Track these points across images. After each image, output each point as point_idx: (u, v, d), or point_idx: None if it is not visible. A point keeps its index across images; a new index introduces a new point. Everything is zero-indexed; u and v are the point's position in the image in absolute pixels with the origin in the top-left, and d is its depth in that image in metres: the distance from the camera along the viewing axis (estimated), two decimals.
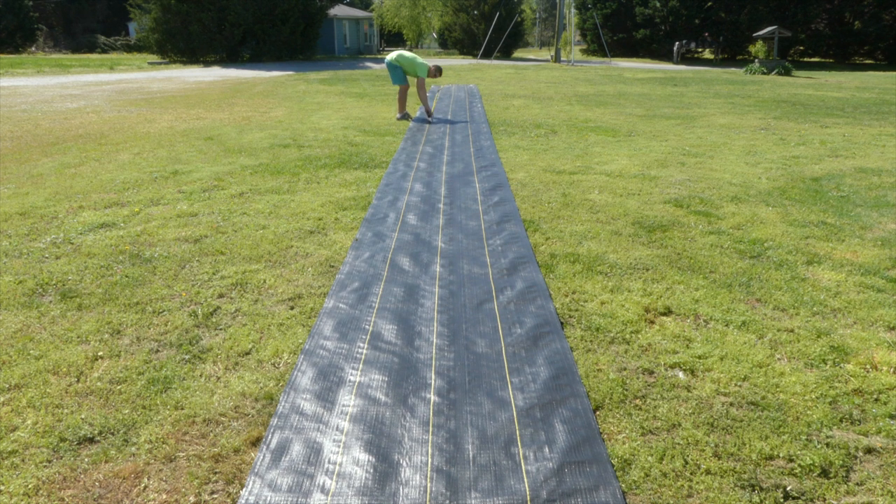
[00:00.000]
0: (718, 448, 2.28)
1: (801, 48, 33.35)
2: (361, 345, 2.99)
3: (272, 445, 2.27)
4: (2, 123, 9.89)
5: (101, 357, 2.88)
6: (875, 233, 4.70)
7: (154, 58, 29.63)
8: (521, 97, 14.21)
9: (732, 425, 2.41)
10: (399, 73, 10.09)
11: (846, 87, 17.74)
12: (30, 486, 2.09)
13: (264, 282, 3.72)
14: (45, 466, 2.18)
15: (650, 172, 6.61)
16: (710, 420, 2.44)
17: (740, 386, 2.68)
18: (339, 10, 37.42)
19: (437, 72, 9.96)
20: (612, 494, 2.04)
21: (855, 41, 32.19)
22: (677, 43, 31.41)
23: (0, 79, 18.94)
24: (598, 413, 2.49)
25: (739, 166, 6.96)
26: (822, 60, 33.58)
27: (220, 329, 3.16)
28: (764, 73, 22.10)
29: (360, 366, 2.82)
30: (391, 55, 10.21)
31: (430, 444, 2.29)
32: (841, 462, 2.20)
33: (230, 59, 28.31)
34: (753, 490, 2.07)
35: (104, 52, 40.05)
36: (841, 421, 2.44)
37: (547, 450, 2.26)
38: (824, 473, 2.15)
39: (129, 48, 40.15)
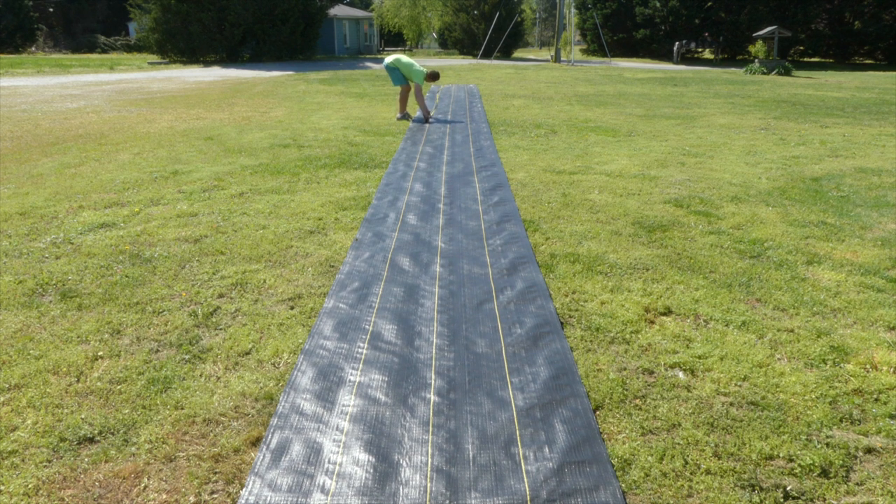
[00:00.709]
0: (718, 448, 2.28)
1: (801, 48, 33.35)
2: (361, 345, 2.99)
3: (272, 445, 2.27)
4: (2, 123, 9.89)
5: (101, 357, 2.88)
6: (875, 233, 4.70)
7: (154, 58, 29.63)
8: (521, 97, 14.21)
9: (732, 425, 2.41)
10: (398, 74, 10.12)
11: (846, 87, 17.74)
12: (30, 486, 2.09)
13: (264, 282, 3.72)
14: (45, 466, 2.18)
15: (650, 172, 6.61)
16: (710, 420, 2.44)
17: (740, 386, 2.68)
18: (339, 10, 37.41)
19: (433, 77, 9.97)
20: (612, 494, 2.04)
21: (855, 41, 32.19)
22: (677, 43, 31.42)
23: (0, 79, 18.94)
24: (598, 413, 2.49)
25: (739, 166, 6.96)
26: (822, 60, 33.58)
27: (220, 329, 3.16)
28: (764, 73, 22.10)
29: (360, 366, 2.82)
30: (388, 59, 10.23)
31: (430, 444, 2.29)
32: (841, 462, 2.20)
33: (230, 59, 28.32)
34: (753, 490, 2.07)
35: (104, 52, 40.06)
36: (841, 421, 2.44)
37: (547, 450, 2.26)
38: (824, 473, 2.15)
39: (129, 48, 40.15)
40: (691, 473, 2.16)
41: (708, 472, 2.16)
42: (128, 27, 44.19)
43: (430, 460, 2.21)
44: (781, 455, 2.24)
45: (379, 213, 5.08)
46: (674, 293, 3.58)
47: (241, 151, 7.61)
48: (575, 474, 2.14)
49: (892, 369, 2.80)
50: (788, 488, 2.08)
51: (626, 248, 4.30)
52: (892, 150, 7.98)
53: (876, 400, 2.58)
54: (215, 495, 2.06)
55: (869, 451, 2.27)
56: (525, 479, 2.11)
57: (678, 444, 2.30)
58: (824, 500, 2.05)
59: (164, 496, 2.05)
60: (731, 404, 2.54)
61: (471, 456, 2.23)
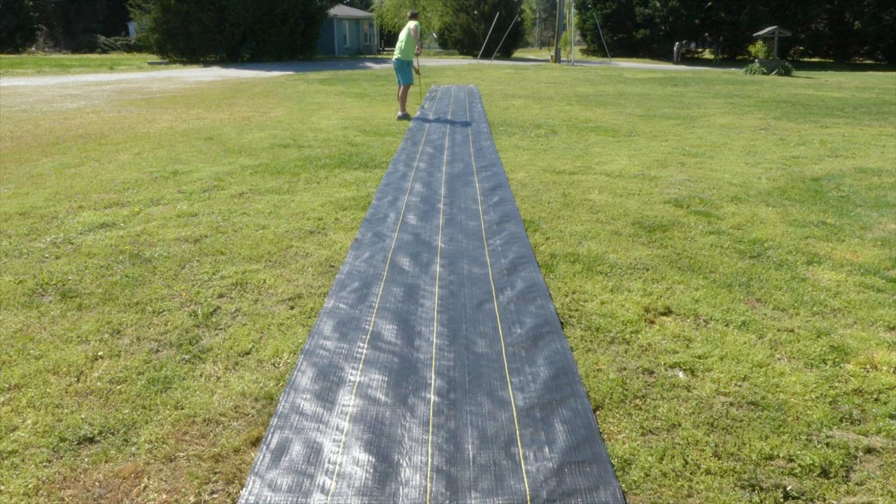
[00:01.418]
0: (718, 448, 2.28)
1: (801, 48, 33.35)
2: (361, 345, 2.99)
3: (272, 445, 2.27)
4: (2, 123, 9.89)
5: (101, 357, 2.88)
6: (875, 233, 4.70)
7: (154, 58, 29.63)
8: (521, 97, 14.21)
9: (732, 425, 2.41)
10: (406, 71, 10.20)
11: (846, 87, 17.74)
12: (30, 486, 2.09)
13: (264, 282, 3.72)
14: (45, 466, 2.18)
15: (650, 172, 6.61)
16: (710, 420, 2.44)
17: (740, 386, 2.68)
18: (339, 10, 37.41)
19: (413, 17, 10.28)
20: (612, 494, 2.04)
21: (855, 41, 32.19)
22: (677, 43, 31.41)
23: (0, 79, 18.94)
24: (598, 413, 2.49)
25: (739, 166, 6.96)
26: (822, 60, 33.58)
27: (220, 329, 3.16)
28: (764, 74, 22.10)
29: (360, 366, 2.82)
30: (396, 53, 10.36)
31: (430, 444, 2.29)
32: (841, 462, 2.20)
33: (230, 59, 28.31)
34: (753, 490, 2.07)
35: (104, 52, 40.05)
36: (841, 421, 2.44)
37: (547, 450, 2.26)
38: (824, 473, 2.15)
39: (129, 48, 40.15)
40: (691, 473, 2.16)
41: (708, 472, 2.16)
42: (128, 27, 44.18)
43: (430, 460, 2.21)
44: (781, 455, 2.24)
45: (379, 213, 5.08)
46: (674, 293, 3.58)
47: (241, 151, 7.61)
48: (575, 474, 2.14)
49: (892, 369, 2.80)
50: (788, 488, 2.08)
51: (626, 248, 4.30)
52: (892, 150, 7.98)
53: (876, 400, 2.58)
54: (215, 495, 2.06)
55: (869, 451, 2.27)
56: (525, 479, 2.11)
57: (678, 444, 2.30)
58: (824, 500, 2.05)
59: (164, 496, 2.05)
60: (731, 404, 2.54)
61: (471, 456, 2.23)
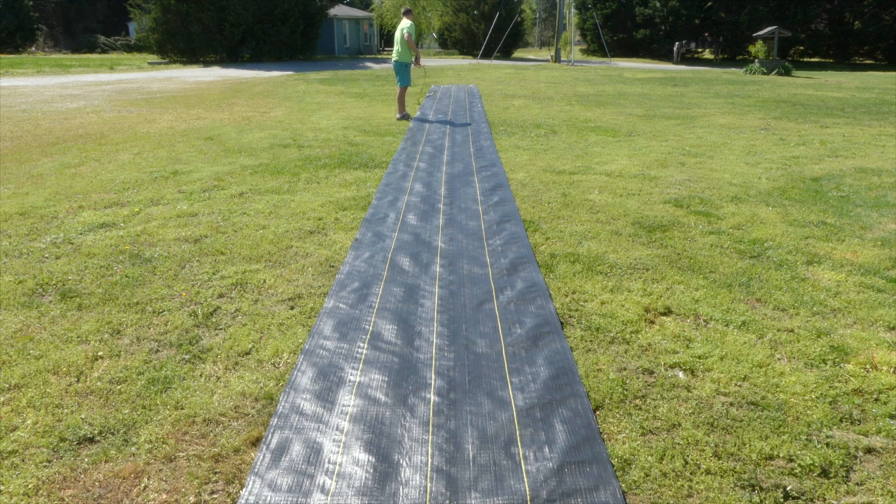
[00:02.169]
0: (718, 448, 2.28)
1: (801, 48, 33.35)
2: (361, 345, 2.99)
3: (272, 445, 2.27)
4: (2, 123, 9.89)
5: (101, 357, 2.88)
6: (875, 233, 4.70)
7: (154, 58, 29.62)
8: (521, 97, 14.21)
9: (732, 425, 2.41)
10: (405, 73, 10.21)
11: (846, 87, 17.74)
12: (30, 486, 2.09)
13: (264, 282, 3.72)
14: (45, 466, 2.18)
15: (650, 172, 6.61)
16: (710, 420, 2.44)
17: (740, 386, 2.68)
18: (339, 10, 37.40)
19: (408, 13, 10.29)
20: (612, 494, 2.04)
21: (855, 41, 32.18)
22: (677, 43, 31.41)
23: (0, 79, 18.94)
24: (598, 413, 2.49)
25: (739, 166, 6.96)
26: (822, 60, 33.58)
27: (220, 329, 3.16)
28: (764, 74, 22.10)
29: (360, 366, 2.82)
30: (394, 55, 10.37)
31: (430, 444, 2.29)
32: (841, 462, 2.20)
33: (230, 59, 28.31)
34: (753, 490, 2.07)
35: (104, 52, 40.05)
36: (841, 421, 2.44)
37: (547, 450, 2.26)
38: (824, 473, 2.15)
39: (129, 48, 40.14)
40: (691, 473, 2.16)
41: (708, 472, 2.16)
42: (128, 27, 44.17)
43: (430, 460, 2.21)
44: (781, 455, 2.24)
45: (379, 213, 5.08)
46: (674, 293, 3.58)
47: (241, 151, 7.61)
48: (575, 474, 2.14)
49: (892, 369, 2.80)
50: (788, 488, 2.08)
51: (626, 248, 4.30)
52: (892, 150, 7.98)
53: (876, 400, 2.58)
54: (215, 495, 2.06)
55: (869, 451, 2.27)
56: (525, 479, 2.11)
57: (678, 444, 2.30)
58: (824, 500, 2.05)
59: (164, 496, 2.05)
60: (731, 404, 2.54)
61: (471, 456, 2.23)
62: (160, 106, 12.27)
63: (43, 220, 4.87)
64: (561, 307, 3.40)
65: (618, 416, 2.47)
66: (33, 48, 39.46)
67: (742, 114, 11.47)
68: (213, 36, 27.35)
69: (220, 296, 3.54)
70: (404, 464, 2.19)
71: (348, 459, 2.21)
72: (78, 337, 3.06)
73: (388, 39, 47.09)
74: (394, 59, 10.33)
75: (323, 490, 2.06)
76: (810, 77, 21.78)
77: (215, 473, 2.15)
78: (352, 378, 2.72)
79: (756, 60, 23.50)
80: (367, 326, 3.18)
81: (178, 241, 4.40)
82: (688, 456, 2.24)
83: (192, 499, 2.04)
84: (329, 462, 2.19)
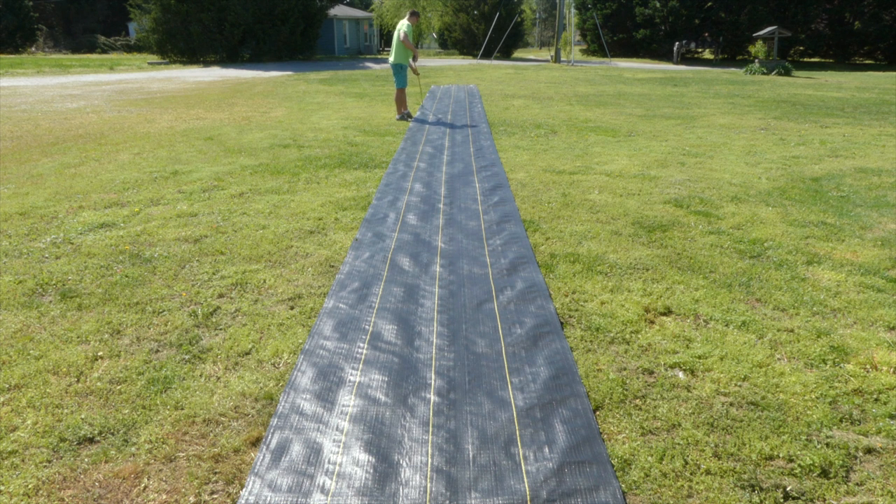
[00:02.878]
0: (718, 448, 2.28)
1: (801, 48, 33.36)
2: (361, 345, 2.99)
3: (272, 445, 2.27)
4: (2, 123, 9.89)
5: (101, 357, 2.88)
6: (875, 233, 4.70)
7: (154, 58, 29.63)
8: (520, 97, 14.21)
9: (732, 425, 2.41)
10: (401, 75, 10.20)
11: (846, 87, 17.74)
12: (30, 486, 2.09)
13: (264, 282, 3.72)
14: (45, 466, 2.18)
15: (650, 172, 6.61)
16: (710, 420, 2.44)
17: (740, 386, 2.68)
18: (339, 10, 37.40)
19: (414, 15, 10.30)
20: (612, 494, 2.04)
21: (855, 41, 32.19)
22: (677, 43, 31.42)
23: (0, 79, 18.94)
24: (598, 413, 2.49)
25: (739, 166, 6.97)
26: (822, 60, 33.58)
27: (220, 329, 3.16)
28: (764, 74, 22.10)
29: (360, 366, 2.82)
30: (391, 57, 10.36)
31: (429, 445, 2.29)
32: (841, 462, 2.20)
33: (230, 59, 28.31)
34: (753, 490, 2.07)
35: (104, 52, 40.04)
36: (841, 421, 2.44)
37: (547, 450, 2.26)
38: (824, 473, 2.15)
39: (129, 48, 40.14)
40: (691, 473, 2.16)
41: (708, 472, 2.16)
42: (128, 27, 44.15)
43: (430, 460, 2.21)
44: (781, 455, 2.24)
45: (379, 214, 5.07)
46: (674, 293, 3.58)
47: (241, 151, 7.61)
48: (575, 474, 2.14)
49: (892, 369, 2.80)
50: (788, 488, 2.08)
51: (626, 248, 4.30)
52: (892, 150, 7.98)
53: (876, 400, 2.58)
54: (215, 495, 2.06)
55: (869, 451, 2.27)
56: (525, 480, 2.11)
57: (678, 444, 2.30)
58: (824, 500, 2.05)
59: (164, 496, 2.05)
60: (731, 404, 2.54)
61: (471, 456, 2.23)
62: (160, 106, 12.27)
63: (43, 220, 4.87)
64: (561, 307, 3.40)
65: (618, 416, 2.47)
66: (33, 48, 39.46)
67: (742, 114, 11.48)
68: (213, 36, 27.36)
69: (220, 296, 3.54)
70: (404, 464, 2.19)
71: (348, 459, 2.21)
72: (78, 337, 3.06)
73: (388, 39, 47.09)
74: (390, 60, 10.34)
75: (323, 490, 2.06)
76: (810, 77, 21.78)
77: (215, 473, 2.15)
78: (352, 378, 2.72)
79: (756, 60, 23.50)
80: (367, 326, 3.17)
81: (178, 241, 4.40)
82: (688, 456, 2.24)
83: (192, 499, 2.04)
84: (329, 462, 2.19)
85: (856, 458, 2.24)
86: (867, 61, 33.06)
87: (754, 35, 25.62)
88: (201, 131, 9.20)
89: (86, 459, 2.22)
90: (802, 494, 2.06)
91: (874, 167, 6.95)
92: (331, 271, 3.90)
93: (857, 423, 2.43)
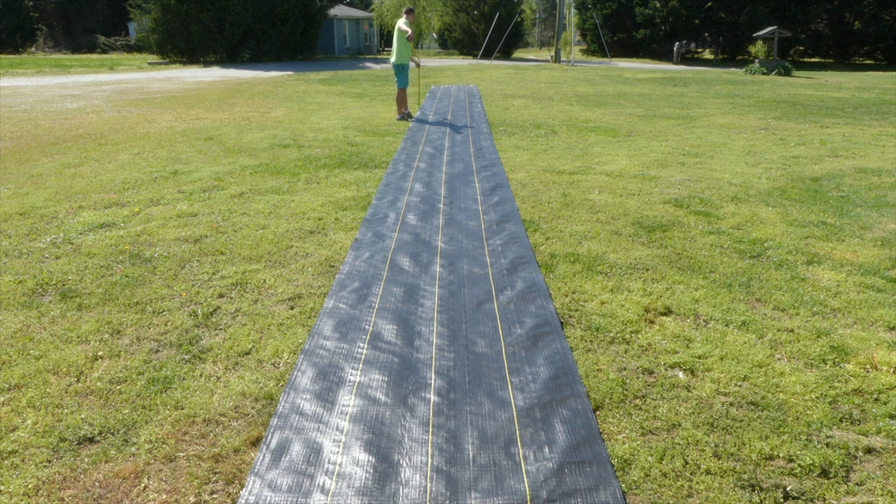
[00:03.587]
0: (718, 448, 2.28)
1: (801, 48, 33.36)
2: (361, 345, 2.99)
3: (272, 445, 2.27)
4: (2, 123, 9.89)
5: (101, 357, 2.88)
6: (875, 233, 4.70)
7: (154, 58, 29.62)
8: (520, 97, 14.21)
9: (732, 425, 2.41)
10: (403, 75, 10.22)
11: (846, 87, 17.74)
12: (30, 486, 2.09)
13: (264, 282, 3.72)
14: (45, 466, 2.18)
15: (650, 172, 6.61)
16: (710, 420, 2.44)
17: (740, 386, 2.68)
18: (339, 11, 37.40)
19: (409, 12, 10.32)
20: (612, 494, 2.04)
21: (855, 41, 32.19)
22: (677, 43, 31.42)
23: (0, 79, 18.94)
24: (598, 413, 2.49)
25: (739, 166, 6.97)
26: (822, 60, 33.58)
27: (220, 329, 3.16)
28: (764, 74, 22.10)
29: (360, 366, 2.82)
30: (392, 57, 10.37)
31: (429, 444, 2.29)
32: (841, 462, 2.20)
33: (230, 59, 28.31)
34: (753, 490, 2.07)
35: (104, 52, 40.04)
36: (841, 421, 2.44)
37: (547, 450, 2.26)
38: (824, 473, 2.15)
39: (129, 48, 40.14)
40: (691, 473, 2.16)
41: (708, 472, 2.16)
42: (128, 27, 44.15)
43: (430, 460, 2.21)
44: (781, 455, 2.24)
45: (379, 213, 5.08)
46: (674, 293, 3.58)
47: (241, 151, 7.62)
48: (575, 474, 2.14)
49: (892, 369, 2.80)
50: (788, 488, 2.08)
51: (626, 248, 4.30)
52: (892, 150, 7.98)
53: (876, 400, 2.58)
54: (215, 495, 2.06)
55: (869, 451, 2.27)
56: (525, 479, 2.11)
57: (678, 444, 2.30)
58: (824, 500, 2.05)
59: (164, 496, 2.05)
60: (731, 404, 2.54)
61: (471, 456, 2.23)
62: (160, 106, 12.27)
63: (43, 220, 4.87)
64: (561, 307, 3.40)
65: (618, 416, 2.47)
66: (33, 48, 39.46)
67: (742, 114, 11.48)
68: (213, 36, 27.36)
69: (220, 296, 3.54)
70: (404, 464, 2.19)
71: (348, 459, 2.21)
72: (78, 337, 3.06)
73: (388, 39, 47.10)
74: (392, 61, 10.34)
75: (323, 490, 2.06)
76: (810, 77, 21.78)
77: (215, 473, 2.15)
78: (352, 378, 2.72)
79: (756, 60, 23.50)
80: (367, 326, 3.17)
81: (178, 241, 4.40)
82: (688, 456, 2.24)
83: (192, 499, 2.04)
84: (329, 462, 2.19)
85: (856, 458, 2.24)
86: (867, 61, 33.06)
87: (754, 35, 25.63)
88: (201, 131, 9.20)
89: (86, 459, 2.22)
90: (802, 494, 2.06)
91: (874, 167, 6.95)
92: (331, 271, 3.90)
93: (857, 423, 2.43)
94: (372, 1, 48.45)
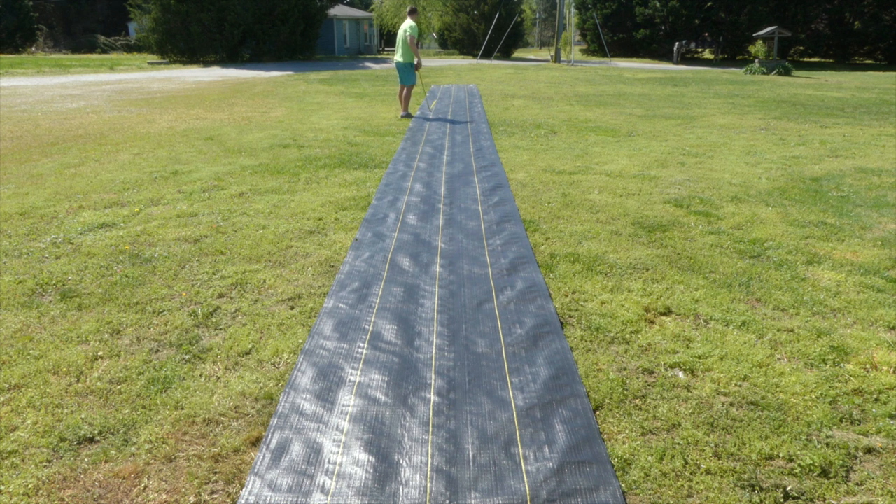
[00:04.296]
0: (718, 448, 2.28)
1: (801, 48, 33.36)
2: (361, 345, 2.99)
3: (272, 445, 2.27)
4: (2, 123, 9.89)
5: (101, 357, 2.88)
6: (875, 233, 4.70)
7: (154, 58, 29.62)
8: (520, 97, 14.21)
9: (732, 425, 2.41)
10: (409, 73, 10.25)
11: (846, 87, 17.74)
12: (30, 486, 2.09)
13: (264, 282, 3.72)
14: (45, 466, 2.18)
15: (650, 172, 6.61)
16: (710, 420, 2.44)
17: (740, 386, 2.68)
18: (339, 10, 37.40)
19: (412, 12, 10.35)
20: (612, 494, 2.04)
21: (855, 41, 32.19)
22: (677, 43, 31.42)
23: (0, 79, 18.94)
24: (598, 413, 2.49)
25: (739, 166, 6.97)
26: (822, 60, 33.58)
27: (220, 329, 3.16)
28: (764, 74, 22.10)
29: (360, 366, 2.82)
30: (397, 56, 10.39)
31: (429, 444, 2.29)
32: (841, 462, 2.20)
33: (230, 59, 28.31)
34: (753, 490, 2.07)
35: (104, 52, 40.03)
36: (841, 421, 2.44)
37: (547, 450, 2.26)
38: (824, 473, 2.15)
39: (129, 48, 40.14)
40: (691, 473, 2.16)
41: (708, 472, 2.16)
42: (128, 27, 44.15)
43: (430, 460, 2.21)
44: (781, 455, 2.24)
45: (379, 213, 5.07)
46: (674, 293, 3.58)
47: (241, 151, 7.61)
48: (575, 474, 2.14)
49: (892, 369, 2.80)
50: (788, 488, 2.08)
51: (626, 248, 4.30)
52: (892, 150, 7.98)
53: (876, 400, 2.58)
54: (215, 495, 2.06)
55: (869, 451, 2.27)
56: (525, 479, 2.11)
57: (678, 444, 2.30)
58: (824, 500, 2.05)
59: (164, 496, 2.05)
60: (731, 404, 2.54)
61: (471, 456, 2.23)
62: (160, 106, 12.27)
63: (43, 220, 4.87)
64: (561, 307, 3.40)
65: (618, 416, 2.47)
66: (33, 48, 39.45)
67: (742, 114, 11.48)
68: (213, 36, 27.35)
69: (220, 296, 3.54)
70: (404, 464, 2.19)
71: (348, 459, 2.21)
72: (78, 337, 3.06)
73: (388, 40, 47.10)
74: (397, 59, 10.35)
75: (323, 490, 2.06)
76: (810, 77, 21.78)
77: (215, 473, 2.15)
78: (352, 378, 2.72)
79: (756, 60, 23.50)
80: (367, 326, 3.17)
81: (178, 241, 4.40)
82: (688, 456, 2.24)
83: (192, 499, 2.04)
84: (329, 462, 2.19)
85: (856, 457, 2.24)
86: (867, 61, 33.05)
87: (754, 35, 25.62)
88: (201, 131, 9.20)
89: (86, 459, 2.22)
90: (802, 494, 2.06)
91: (874, 167, 6.95)
92: (331, 271, 3.90)
93: (857, 423, 2.43)
94: (372, 1, 48.44)
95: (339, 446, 2.28)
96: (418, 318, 3.27)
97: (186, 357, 2.88)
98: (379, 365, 2.82)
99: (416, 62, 10.28)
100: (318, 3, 31.16)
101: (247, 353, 2.93)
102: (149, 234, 4.54)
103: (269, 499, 2.02)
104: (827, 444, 2.29)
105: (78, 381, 2.69)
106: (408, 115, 10.56)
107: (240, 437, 2.33)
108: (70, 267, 3.93)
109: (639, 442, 2.31)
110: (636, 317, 3.28)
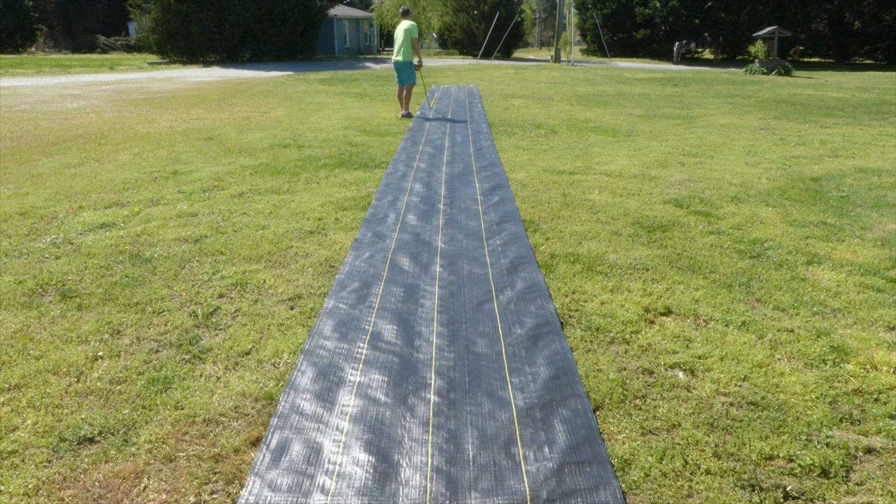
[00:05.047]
0: (718, 448, 2.28)
1: (801, 48, 33.36)
2: (361, 345, 2.99)
3: (272, 445, 2.27)
4: (2, 123, 9.89)
5: (101, 357, 2.88)
6: (875, 233, 4.70)
7: (154, 58, 29.62)
8: (520, 97, 14.21)
9: (732, 425, 2.41)
10: (410, 71, 10.27)
11: (846, 87, 17.74)
12: (30, 486, 2.09)
13: (264, 282, 3.72)
14: (45, 466, 2.18)
15: (650, 172, 6.61)
16: (710, 420, 2.44)
17: (740, 386, 2.68)
18: (339, 10, 37.40)
19: (405, 13, 10.39)
20: (612, 494, 2.04)
21: (855, 41, 32.20)
22: (677, 43, 31.42)
23: (0, 79, 18.94)
24: (598, 413, 2.49)
25: (739, 166, 6.97)
26: (822, 60, 33.58)
27: (220, 329, 3.16)
28: (764, 74, 22.10)
29: (360, 366, 2.82)
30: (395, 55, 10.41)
31: (429, 444, 2.29)
32: (841, 462, 2.20)
33: (230, 59, 28.31)
34: (753, 490, 2.07)
35: (104, 52, 40.03)
36: (841, 421, 2.44)
37: (547, 450, 2.26)
38: (824, 473, 2.15)
39: (129, 48, 40.14)
40: (691, 473, 2.16)
41: (708, 472, 2.16)
42: (128, 27, 44.15)
43: (430, 460, 2.21)
44: (781, 455, 2.24)
45: (379, 214, 5.07)
46: (674, 293, 3.58)
47: (241, 151, 7.61)
48: (575, 474, 2.14)
49: (892, 369, 2.80)
50: (788, 488, 2.08)
51: (626, 248, 4.30)
52: (892, 150, 7.98)
53: (876, 400, 2.58)
54: (215, 495, 2.06)
55: (869, 451, 2.27)
56: (525, 479, 2.11)
57: (678, 444, 2.30)
58: (824, 500, 2.05)
59: (164, 496, 2.05)
60: (731, 404, 2.54)
61: (471, 456, 2.23)
62: (160, 106, 12.27)
63: (43, 220, 4.87)
64: (561, 307, 3.40)
65: (618, 416, 2.47)
66: (33, 48, 39.45)
67: (742, 114, 11.48)
68: (213, 36, 27.35)
69: (220, 296, 3.54)
70: (404, 464, 2.19)
71: (348, 459, 2.21)
72: (78, 337, 3.06)
73: (388, 40, 47.10)
74: (396, 59, 10.34)
75: (323, 490, 2.06)
76: (810, 77, 21.78)
77: (215, 473, 2.15)
78: (352, 378, 2.72)
79: (756, 60, 23.50)
80: (367, 326, 3.17)
81: (178, 241, 4.40)
82: (688, 456, 2.24)
83: (192, 499, 2.04)
84: (329, 462, 2.19)
85: (856, 458, 2.24)
86: (867, 61, 33.06)
87: (754, 35, 25.63)
88: (201, 131, 9.20)
89: (86, 459, 2.22)
90: (802, 494, 2.06)
91: (874, 167, 6.95)
92: (331, 271, 3.90)
93: (857, 423, 2.43)
94: (372, 1, 48.45)
95: (339, 446, 2.28)
96: (418, 318, 3.27)
97: (186, 357, 2.88)
98: (379, 365, 2.82)
99: (417, 62, 10.29)
100: (318, 3, 31.16)
101: (247, 354, 2.93)
102: (149, 235, 4.54)
103: (269, 499, 2.02)
104: (827, 445, 2.29)
105: (78, 381, 2.69)
106: (408, 115, 10.57)
107: (240, 437, 2.33)
108: (70, 267, 3.93)
109: (639, 442, 2.31)
110: (636, 317, 3.28)
